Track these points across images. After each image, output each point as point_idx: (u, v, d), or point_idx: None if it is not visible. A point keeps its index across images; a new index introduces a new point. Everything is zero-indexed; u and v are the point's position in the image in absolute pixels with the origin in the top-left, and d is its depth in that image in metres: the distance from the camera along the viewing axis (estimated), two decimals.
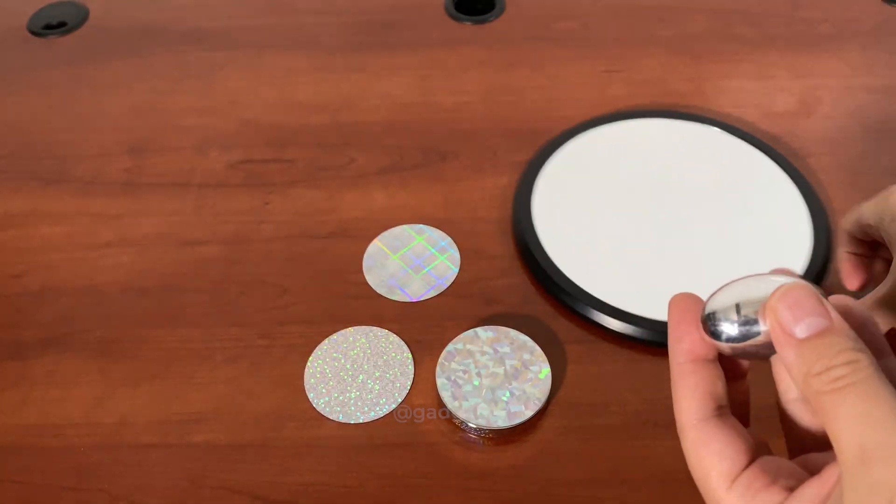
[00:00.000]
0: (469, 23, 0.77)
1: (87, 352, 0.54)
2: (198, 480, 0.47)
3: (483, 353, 0.50)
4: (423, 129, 0.67)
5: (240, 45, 0.76)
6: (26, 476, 0.48)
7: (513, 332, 0.51)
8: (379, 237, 0.58)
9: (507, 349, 0.51)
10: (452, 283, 0.56)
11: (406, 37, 0.76)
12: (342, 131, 0.67)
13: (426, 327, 0.54)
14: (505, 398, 0.48)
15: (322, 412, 0.50)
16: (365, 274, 0.57)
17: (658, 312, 0.52)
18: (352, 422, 0.49)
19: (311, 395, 0.51)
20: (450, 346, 0.51)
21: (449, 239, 0.58)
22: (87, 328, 0.55)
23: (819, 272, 0.55)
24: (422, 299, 0.55)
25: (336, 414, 0.50)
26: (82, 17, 0.79)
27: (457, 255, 0.58)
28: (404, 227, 0.59)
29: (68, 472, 0.48)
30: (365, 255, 0.57)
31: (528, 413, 0.48)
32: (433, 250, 0.58)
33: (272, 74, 0.73)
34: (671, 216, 0.59)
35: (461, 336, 0.51)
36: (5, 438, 0.50)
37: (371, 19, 0.78)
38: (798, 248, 0.56)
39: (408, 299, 0.55)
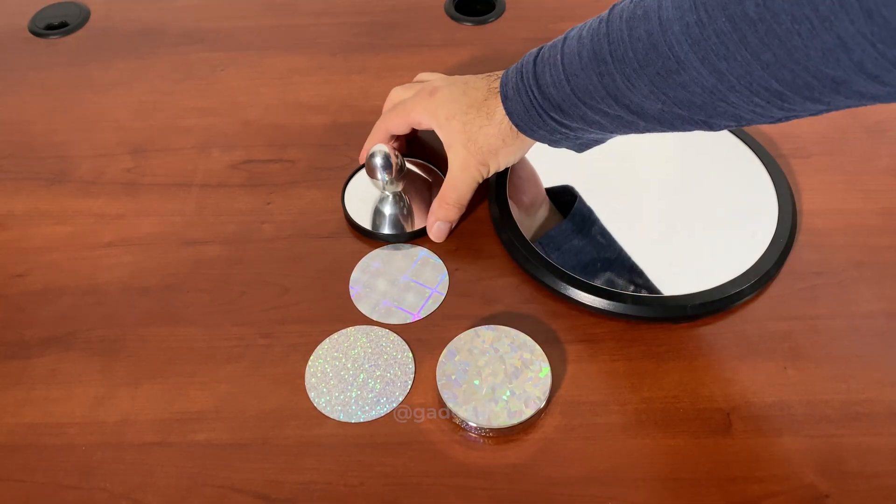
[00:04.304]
0: (469, 23, 0.77)
1: (88, 351, 0.54)
2: (199, 479, 0.48)
3: (483, 353, 0.51)
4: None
5: (241, 46, 0.76)
6: (28, 475, 0.48)
7: (513, 332, 0.52)
8: (358, 265, 0.58)
9: (507, 348, 0.51)
10: (449, 285, 0.56)
11: (406, 37, 0.76)
12: (343, 132, 0.67)
13: (426, 326, 0.54)
14: (505, 397, 0.49)
15: (323, 411, 0.50)
16: (356, 304, 0.55)
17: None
18: (353, 421, 0.50)
19: (312, 395, 0.51)
20: (450, 346, 0.51)
21: (426, 249, 0.58)
22: (88, 327, 0.55)
23: (783, 250, 0.56)
24: (425, 315, 0.55)
25: (337, 413, 0.50)
26: (83, 17, 0.80)
27: (438, 260, 0.58)
28: (377, 250, 0.59)
29: (70, 470, 0.48)
30: (350, 284, 0.56)
31: (529, 412, 0.48)
32: (415, 262, 0.58)
33: (273, 75, 0.73)
34: (647, 199, 0.61)
35: (461, 335, 0.52)
36: (7, 437, 0.50)
37: (371, 20, 0.78)
38: (763, 227, 0.58)
39: (411, 318, 0.55)
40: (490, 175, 0.57)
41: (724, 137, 0.64)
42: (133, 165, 0.66)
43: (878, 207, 0.60)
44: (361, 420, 0.50)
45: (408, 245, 0.59)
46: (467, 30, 0.77)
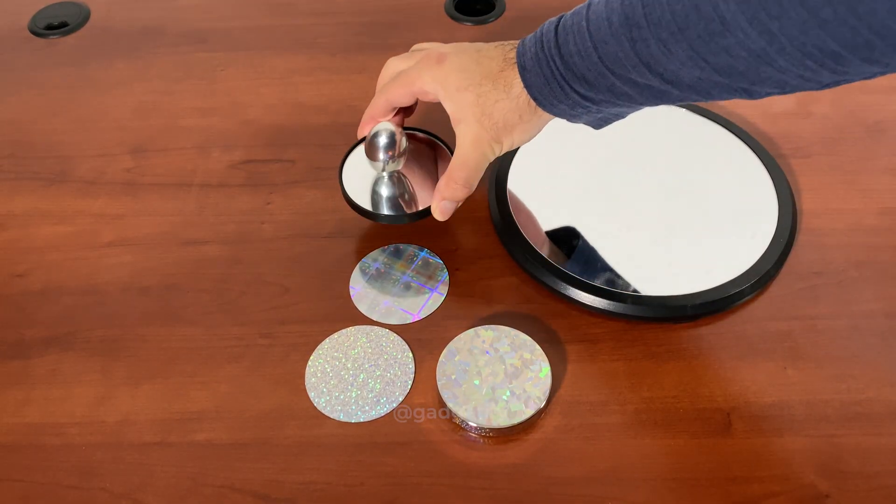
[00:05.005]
0: (469, 23, 0.77)
1: (88, 351, 0.54)
2: (199, 479, 0.48)
3: (483, 353, 0.51)
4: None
5: (241, 46, 0.76)
6: (28, 475, 0.48)
7: (513, 332, 0.52)
8: (358, 265, 0.58)
9: (507, 348, 0.51)
10: (449, 285, 0.56)
11: (406, 37, 0.76)
12: (343, 132, 0.67)
13: (426, 326, 0.54)
14: (505, 397, 0.49)
15: (323, 411, 0.50)
16: (356, 304, 0.55)
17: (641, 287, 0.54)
18: (352, 421, 0.50)
19: (311, 394, 0.51)
20: (450, 346, 0.51)
21: (426, 249, 0.58)
22: (88, 327, 0.55)
23: (783, 250, 0.56)
24: (425, 316, 0.55)
25: (337, 413, 0.50)
26: (83, 17, 0.80)
27: (438, 261, 0.58)
28: (377, 250, 0.58)
29: (70, 470, 0.48)
30: (350, 284, 0.57)
31: (528, 412, 0.48)
32: (415, 262, 0.58)
33: (273, 75, 0.73)
34: (647, 200, 0.61)
35: (461, 335, 0.52)
36: (7, 437, 0.50)
37: (371, 20, 0.78)
38: (763, 227, 0.58)
39: (411, 318, 0.55)
40: (502, 153, 0.53)
41: (725, 137, 0.64)
42: (133, 165, 0.66)
43: (877, 207, 0.60)
44: (361, 420, 0.50)
45: (408, 245, 0.59)
46: (467, 30, 0.77)
